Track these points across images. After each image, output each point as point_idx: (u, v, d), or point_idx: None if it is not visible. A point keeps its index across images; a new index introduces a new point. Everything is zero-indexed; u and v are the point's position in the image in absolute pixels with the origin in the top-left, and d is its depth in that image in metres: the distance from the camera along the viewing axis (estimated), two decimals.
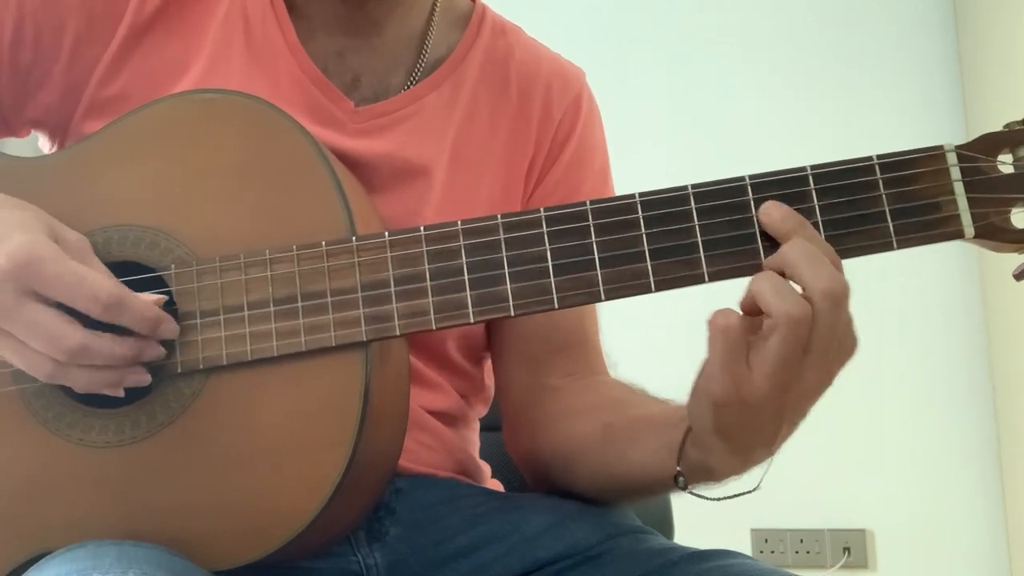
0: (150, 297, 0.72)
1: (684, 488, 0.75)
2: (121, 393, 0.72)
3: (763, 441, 0.69)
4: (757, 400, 0.65)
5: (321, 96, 0.88)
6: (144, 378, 0.72)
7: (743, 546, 2.15)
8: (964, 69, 2.55)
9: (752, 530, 2.45)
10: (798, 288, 0.65)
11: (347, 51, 0.91)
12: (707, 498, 0.75)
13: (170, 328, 0.72)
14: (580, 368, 0.94)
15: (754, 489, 0.72)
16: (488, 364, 1.00)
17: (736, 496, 0.73)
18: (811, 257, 0.65)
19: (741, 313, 0.66)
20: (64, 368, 0.69)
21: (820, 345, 0.64)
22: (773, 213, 0.68)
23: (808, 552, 2.42)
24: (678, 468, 0.74)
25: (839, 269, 0.66)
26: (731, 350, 0.65)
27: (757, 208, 0.69)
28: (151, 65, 0.86)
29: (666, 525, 1.18)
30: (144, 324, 0.70)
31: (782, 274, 0.66)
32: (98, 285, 0.68)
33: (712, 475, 0.74)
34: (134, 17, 0.85)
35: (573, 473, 0.88)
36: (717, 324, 0.65)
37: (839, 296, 0.64)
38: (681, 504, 1.20)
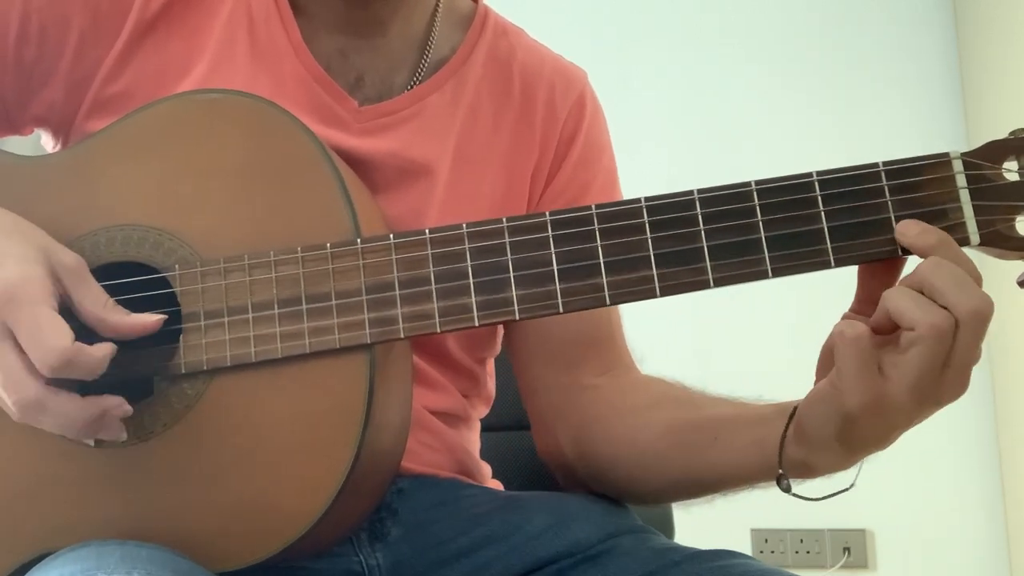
0: (150, 319, 0.71)
1: (787, 490, 0.75)
2: (91, 443, 0.72)
3: (882, 444, 0.71)
4: (893, 410, 0.67)
5: (325, 95, 0.88)
6: (120, 435, 0.71)
7: (743, 546, 2.15)
8: (964, 69, 2.55)
9: (752, 530, 2.45)
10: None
11: (350, 51, 0.91)
12: (807, 499, 0.74)
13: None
14: (613, 365, 0.94)
15: (850, 487, 0.72)
16: (490, 364, 1.00)
17: (834, 495, 0.73)
18: (956, 279, 0.65)
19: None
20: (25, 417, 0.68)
21: (961, 360, 0.65)
22: (909, 231, 0.68)
23: (808, 552, 2.43)
24: (780, 471, 0.74)
25: (980, 284, 0.66)
26: (865, 361, 0.65)
27: (763, 213, 0.69)
28: (155, 64, 0.86)
29: (666, 525, 1.18)
30: (97, 377, 0.69)
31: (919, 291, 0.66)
32: (48, 344, 0.66)
33: (811, 473, 0.74)
34: (139, 15, 0.85)
35: (637, 473, 0.87)
36: (847, 336, 0.65)
37: (986, 316, 0.65)
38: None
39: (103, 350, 0.68)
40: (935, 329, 0.63)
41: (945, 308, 0.64)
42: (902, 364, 0.65)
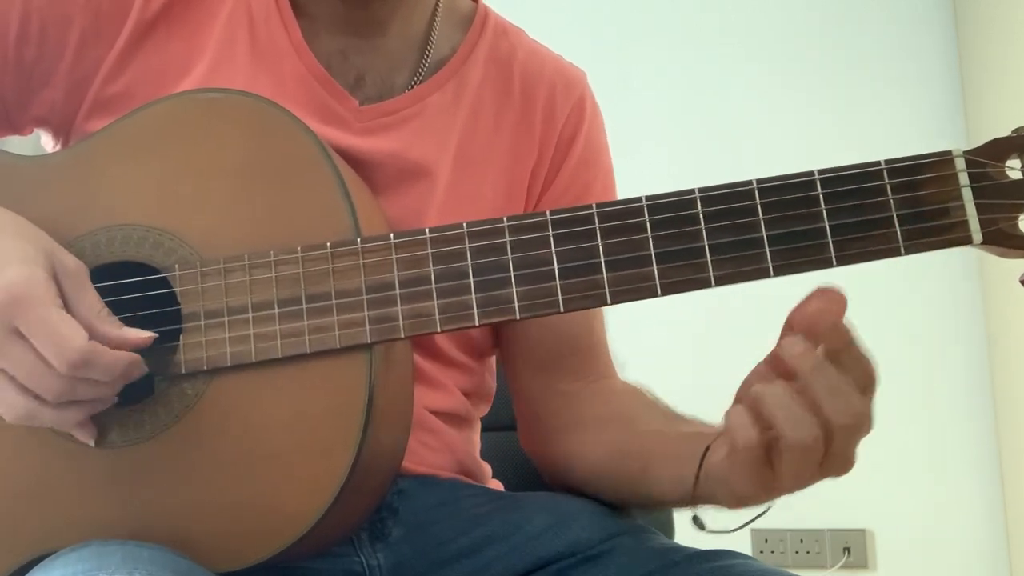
0: (141, 335, 0.71)
1: (701, 527, 0.74)
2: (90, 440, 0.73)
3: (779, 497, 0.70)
4: (780, 491, 0.67)
5: (326, 95, 0.88)
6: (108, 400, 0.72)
7: (743, 546, 2.15)
8: (964, 69, 2.55)
9: (752, 530, 2.44)
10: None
11: (351, 51, 0.91)
12: (724, 532, 0.73)
13: (140, 371, 0.71)
14: (590, 372, 0.94)
15: (764, 511, 0.71)
16: (491, 362, 1.01)
17: (750, 522, 0.72)
18: (832, 390, 0.63)
19: (757, 423, 0.64)
20: (40, 408, 0.69)
21: (839, 452, 0.64)
22: (792, 349, 0.65)
23: (808, 552, 2.43)
24: (695, 514, 0.74)
25: (870, 383, 0.64)
26: (755, 465, 0.65)
27: (764, 212, 0.68)
28: (156, 63, 0.86)
29: (666, 525, 1.18)
30: (115, 378, 0.70)
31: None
32: (66, 344, 0.66)
33: (727, 508, 0.74)
34: (139, 15, 0.85)
35: (589, 489, 0.90)
36: (739, 442, 0.64)
37: (859, 429, 0.63)
38: None
39: (123, 355, 0.69)
40: (802, 446, 0.62)
41: (820, 414, 0.63)
42: (783, 461, 0.64)
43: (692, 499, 0.74)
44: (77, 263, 0.73)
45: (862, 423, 0.64)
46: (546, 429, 0.93)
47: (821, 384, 0.63)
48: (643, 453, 0.83)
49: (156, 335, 0.72)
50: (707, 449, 0.72)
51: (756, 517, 0.71)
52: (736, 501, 0.70)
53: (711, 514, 0.75)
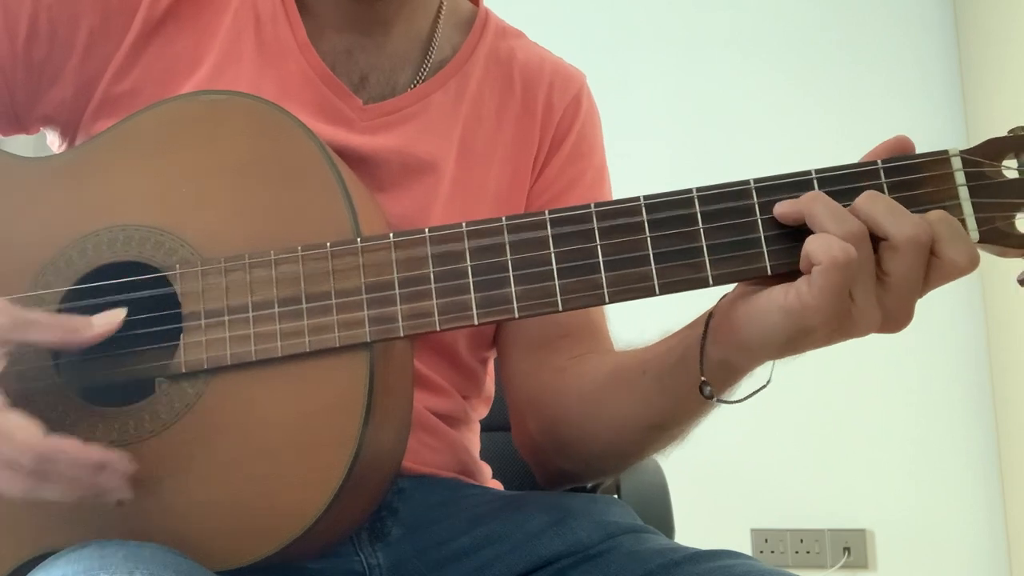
0: (104, 326, 0.69)
1: (710, 397, 0.74)
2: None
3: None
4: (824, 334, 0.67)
5: (330, 94, 0.88)
6: (124, 494, 0.69)
7: (743, 546, 2.15)
8: (964, 69, 2.55)
9: (752, 530, 2.45)
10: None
11: (355, 50, 0.92)
12: (730, 402, 0.74)
13: (119, 470, 0.67)
14: (588, 350, 0.94)
15: (767, 383, 0.71)
16: (490, 364, 1.01)
17: (753, 394, 0.72)
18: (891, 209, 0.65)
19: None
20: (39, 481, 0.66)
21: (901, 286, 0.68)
22: (782, 209, 0.67)
23: (808, 552, 2.43)
24: (703, 378, 0.74)
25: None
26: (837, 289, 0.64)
27: (762, 211, 0.69)
28: (163, 62, 0.86)
29: (666, 525, 1.18)
30: (84, 472, 0.66)
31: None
32: (19, 447, 0.64)
33: (735, 374, 0.74)
34: (147, 13, 0.86)
35: (588, 427, 0.88)
36: (840, 261, 0.64)
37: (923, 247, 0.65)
38: (681, 504, 1.20)
39: (90, 452, 0.66)
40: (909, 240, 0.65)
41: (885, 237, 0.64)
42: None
43: (695, 379, 0.74)
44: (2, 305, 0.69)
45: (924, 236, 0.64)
46: (541, 405, 0.92)
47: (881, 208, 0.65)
48: (641, 358, 0.82)
49: (124, 311, 0.71)
50: (710, 315, 0.73)
51: (759, 389, 0.71)
52: (785, 344, 0.68)
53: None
